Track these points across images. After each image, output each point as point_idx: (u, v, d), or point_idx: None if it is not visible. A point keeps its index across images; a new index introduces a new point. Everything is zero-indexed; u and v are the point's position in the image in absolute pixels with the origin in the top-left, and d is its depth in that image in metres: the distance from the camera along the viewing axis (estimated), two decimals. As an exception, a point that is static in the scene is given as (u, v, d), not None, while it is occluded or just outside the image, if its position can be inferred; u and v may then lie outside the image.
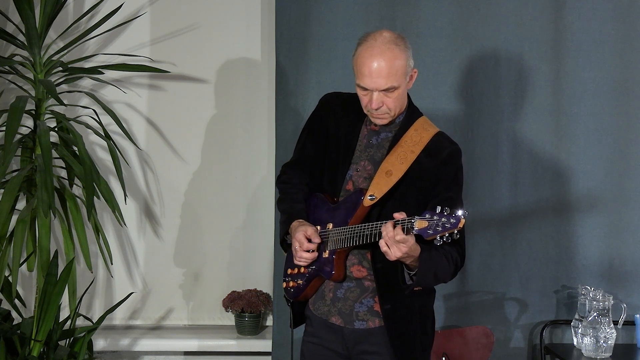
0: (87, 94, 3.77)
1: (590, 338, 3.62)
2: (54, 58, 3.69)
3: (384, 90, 2.72)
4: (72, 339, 3.59)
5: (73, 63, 3.72)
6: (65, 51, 3.74)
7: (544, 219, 3.85)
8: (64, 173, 3.75)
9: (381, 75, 2.70)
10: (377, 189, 2.76)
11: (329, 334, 2.89)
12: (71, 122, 3.60)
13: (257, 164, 4.05)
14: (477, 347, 3.64)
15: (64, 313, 3.65)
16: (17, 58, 3.71)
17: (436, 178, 2.80)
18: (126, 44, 3.98)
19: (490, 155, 3.85)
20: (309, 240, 2.82)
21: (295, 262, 2.87)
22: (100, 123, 3.64)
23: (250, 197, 4.08)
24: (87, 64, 3.85)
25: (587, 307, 3.66)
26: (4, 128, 3.35)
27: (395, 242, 2.59)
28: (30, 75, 3.66)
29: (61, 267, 3.47)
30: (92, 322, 3.73)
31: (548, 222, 3.85)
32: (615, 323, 3.66)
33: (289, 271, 2.95)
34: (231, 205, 4.07)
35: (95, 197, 3.43)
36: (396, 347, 2.82)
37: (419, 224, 2.55)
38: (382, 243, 2.62)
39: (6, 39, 3.66)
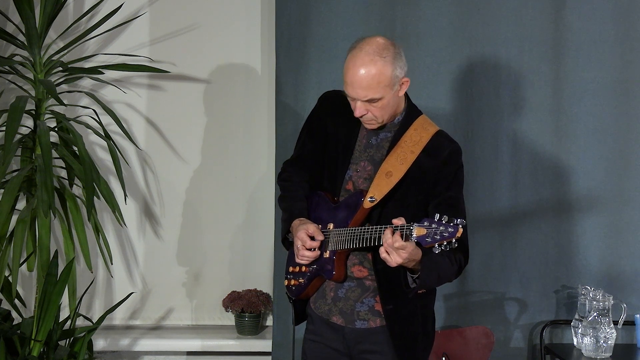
0: (87, 94, 3.77)
1: (590, 338, 3.62)
2: (54, 58, 3.69)
3: (365, 101, 2.72)
4: (72, 339, 3.59)
5: (73, 63, 3.72)
6: (65, 51, 3.73)
7: (544, 219, 3.85)
8: (64, 173, 3.75)
9: (361, 86, 2.69)
10: (377, 190, 2.76)
11: (330, 332, 2.89)
12: (71, 122, 3.60)
13: (257, 163, 4.05)
14: (477, 347, 3.64)
15: (64, 313, 3.65)
16: (17, 58, 3.71)
17: (436, 178, 2.79)
18: (126, 44, 3.98)
19: (490, 155, 3.85)
20: (312, 238, 2.82)
21: (297, 260, 2.87)
22: (100, 123, 3.64)
23: (250, 197, 4.08)
24: (87, 64, 3.85)
25: (587, 307, 3.66)
26: (4, 128, 3.35)
27: (395, 249, 2.59)
28: (30, 75, 3.66)
29: (61, 267, 3.47)
30: (92, 322, 3.73)
31: (548, 222, 3.85)
32: (615, 323, 3.66)
33: (291, 269, 2.95)
34: (231, 205, 4.07)
35: (95, 197, 3.43)
36: (398, 347, 2.82)
37: (417, 231, 2.54)
38: (381, 250, 2.62)
39: (6, 39, 3.66)
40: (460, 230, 2.52)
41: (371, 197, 2.76)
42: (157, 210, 4.07)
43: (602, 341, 3.61)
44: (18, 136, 3.53)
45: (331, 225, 2.84)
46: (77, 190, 3.78)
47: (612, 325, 3.63)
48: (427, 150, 2.79)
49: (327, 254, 2.83)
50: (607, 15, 3.82)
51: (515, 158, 3.86)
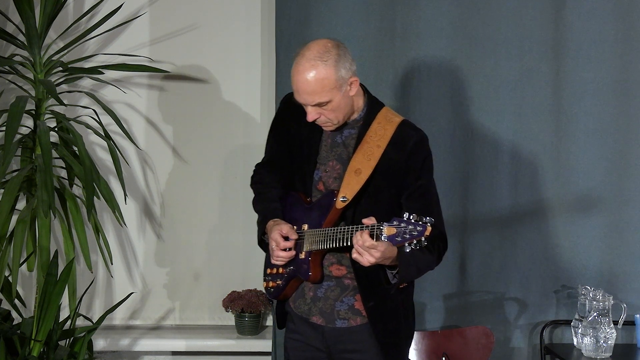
0: (87, 94, 3.77)
1: (590, 338, 3.62)
2: (54, 58, 3.68)
3: (314, 105, 2.72)
4: (72, 339, 3.59)
5: (73, 63, 3.72)
6: (65, 51, 3.73)
7: (544, 219, 3.85)
8: (64, 173, 3.75)
9: (307, 92, 2.70)
10: (348, 189, 2.75)
11: (310, 331, 2.90)
12: (71, 122, 3.60)
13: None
14: (477, 347, 3.64)
15: (64, 313, 3.64)
16: (17, 58, 3.71)
17: (406, 169, 2.79)
18: (126, 44, 3.98)
19: (490, 155, 3.85)
20: (286, 239, 2.82)
21: (273, 261, 2.86)
22: (100, 123, 3.64)
23: (250, 197, 4.06)
24: (87, 64, 3.85)
25: (587, 307, 3.66)
26: (4, 128, 3.35)
27: (366, 249, 2.59)
28: (30, 75, 3.66)
29: (61, 267, 3.46)
30: (92, 322, 3.73)
31: (548, 222, 3.85)
32: (615, 323, 3.66)
33: (268, 271, 2.95)
34: (231, 205, 4.07)
35: (95, 197, 3.43)
36: (382, 344, 2.83)
37: (387, 230, 2.54)
38: (353, 251, 2.62)
39: (6, 39, 3.66)
40: (429, 228, 2.51)
41: (343, 197, 2.75)
42: (157, 210, 4.07)
43: (602, 341, 3.61)
44: (18, 136, 3.53)
45: (306, 226, 2.84)
46: (77, 190, 3.78)
47: (612, 325, 3.63)
48: (394, 142, 2.79)
49: (302, 255, 2.83)
50: (607, 15, 3.82)
51: (515, 158, 3.86)
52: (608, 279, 3.85)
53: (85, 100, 3.87)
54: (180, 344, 3.96)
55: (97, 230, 3.55)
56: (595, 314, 3.63)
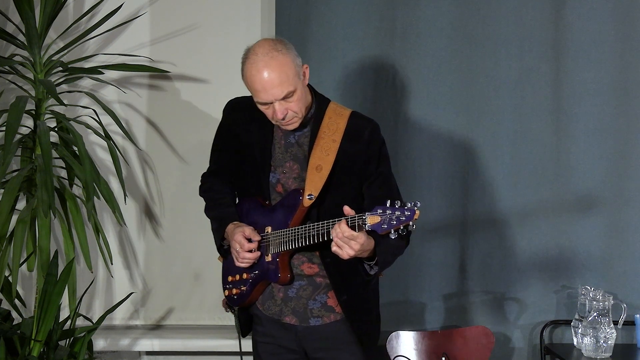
0: (87, 94, 3.77)
1: (590, 338, 3.62)
2: (54, 58, 3.69)
3: (282, 98, 2.71)
4: (72, 339, 3.59)
5: (73, 63, 3.72)
6: (65, 51, 3.74)
7: (544, 219, 3.85)
8: (64, 173, 3.75)
9: (274, 85, 2.69)
10: (313, 186, 2.76)
11: (281, 332, 2.90)
12: (71, 122, 3.60)
13: (257, 164, 4.05)
14: (477, 347, 3.64)
15: (64, 313, 3.65)
16: (17, 58, 3.71)
17: (366, 159, 2.81)
18: (126, 44, 3.98)
19: (490, 155, 3.86)
20: (249, 240, 2.81)
21: (237, 264, 2.86)
22: (100, 123, 3.64)
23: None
24: (87, 64, 3.85)
25: (587, 307, 3.66)
26: (4, 128, 3.35)
27: (346, 240, 2.57)
28: (30, 75, 3.66)
29: (61, 267, 3.47)
30: (92, 322, 3.73)
31: (548, 222, 3.85)
32: (615, 323, 3.66)
33: (230, 278, 2.94)
34: (231, 205, 4.07)
35: (95, 197, 3.43)
36: (359, 334, 2.85)
37: (370, 219, 2.53)
38: (332, 244, 2.61)
39: (6, 39, 3.66)
40: (418, 212, 2.51)
41: (309, 195, 2.75)
42: (157, 210, 4.07)
43: (602, 341, 3.61)
44: (18, 136, 3.53)
45: (269, 229, 2.83)
46: (77, 190, 3.78)
47: (612, 325, 3.63)
48: (348, 135, 2.80)
49: (269, 258, 2.83)
50: (607, 15, 3.82)
51: (515, 158, 3.86)
52: (608, 279, 3.85)
53: (85, 100, 3.87)
54: (180, 344, 3.96)
55: (97, 230, 3.55)
56: (595, 314, 3.63)
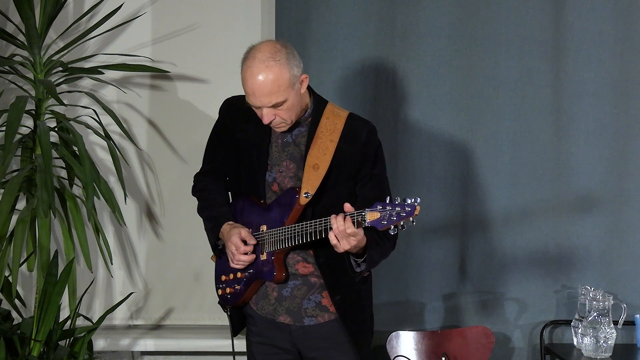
0: (87, 94, 3.77)
1: (590, 338, 3.62)
2: (54, 58, 3.69)
3: (271, 106, 2.72)
4: (72, 339, 3.59)
5: (73, 63, 3.72)
6: (65, 51, 3.74)
7: (544, 219, 3.85)
8: (64, 173, 3.75)
9: (263, 93, 2.70)
10: (309, 185, 2.77)
11: (275, 331, 2.91)
12: (71, 122, 3.61)
13: (257, 164, 4.05)
14: (477, 347, 3.64)
15: (64, 313, 3.65)
16: (17, 58, 3.71)
17: (361, 160, 2.83)
18: (126, 44, 3.98)
19: (490, 155, 3.86)
20: (245, 243, 2.82)
21: (232, 265, 2.86)
22: (100, 123, 3.64)
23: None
24: (87, 64, 3.85)
25: (587, 307, 3.66)
26: (4, 128, 3.35)
27: (346, 236, 2.60)
28: (30, 75, 3.66)
29: (61, 267, 3.47)
30: (92, 322, 3.73)
31: (548, 222, 3.86)
32: (615, 323, 3.66)
33: (223, 278, 2.95)
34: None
35: (95, 197, 3.43)
36: (352, 333, 2.86)
37: (370, 215, 2.56)
38: (331, 236, 2.62)
39: (6, 39, 3.66)
40: (418, 208, 2.54)
41: (306, 193, 2.76)
42: (157, 210, 4.07)
43: (602, 341, 3.61)
44: (18, 136, 3.54)
45: (264, 227, 2.84)
46: (77, 190, 3.78)
47: (612, 325, 3.63)
48: (345, 135, 2.82)
49: (264, 256, 2.83)
50: (607, 15, 3.82)
51: (515, 158, 3.86)
52: (608, 279, 3.85)
53: (85, 100, 3.87)
54: (180, 344, 3.96)
55: (97, 230, 3.55)
56: (595, 314, 3.63)
